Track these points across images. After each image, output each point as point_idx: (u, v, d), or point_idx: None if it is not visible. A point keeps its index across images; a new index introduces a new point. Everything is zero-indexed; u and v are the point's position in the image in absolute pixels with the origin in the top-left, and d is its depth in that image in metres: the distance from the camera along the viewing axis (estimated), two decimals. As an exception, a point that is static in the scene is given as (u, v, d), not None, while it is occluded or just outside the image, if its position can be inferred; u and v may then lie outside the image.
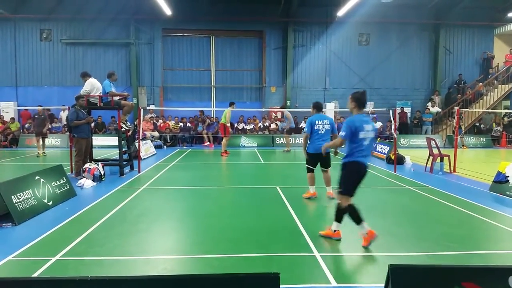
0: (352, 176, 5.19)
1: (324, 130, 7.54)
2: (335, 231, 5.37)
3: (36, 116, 16.28)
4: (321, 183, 8.02)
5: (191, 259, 4.77)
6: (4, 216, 5.92)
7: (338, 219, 5.35)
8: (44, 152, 15.42)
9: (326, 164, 7.79)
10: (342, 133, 5.10)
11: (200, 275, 3.04)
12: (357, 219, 5.12)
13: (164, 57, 22.28)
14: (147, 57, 21.92)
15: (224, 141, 15.57)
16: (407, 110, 21.96)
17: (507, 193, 8.08)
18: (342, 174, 5.21)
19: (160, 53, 21.97)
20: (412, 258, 4.71)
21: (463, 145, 18.89)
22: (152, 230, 5.82)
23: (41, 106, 17.41)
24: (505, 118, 21.10)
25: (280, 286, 2.67)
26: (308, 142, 7.68)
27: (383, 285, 2.93)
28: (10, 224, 5.87)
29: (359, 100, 5.18)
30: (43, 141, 15.60)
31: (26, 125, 19.87)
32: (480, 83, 21.95)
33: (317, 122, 7.55)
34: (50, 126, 19.96)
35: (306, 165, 7.85)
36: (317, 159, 7.61)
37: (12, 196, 6.08)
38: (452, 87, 22.91)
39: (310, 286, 3.98)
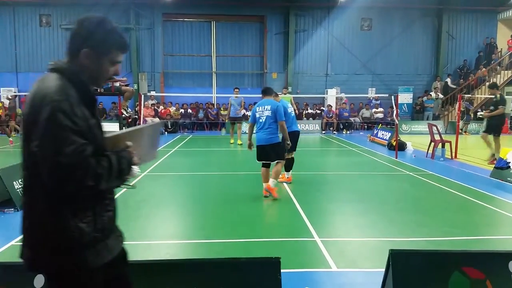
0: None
1: (264, 117, 6.61)
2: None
3: None
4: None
5: (193, 244, 4.80)
6: (6, 201, 5.95)
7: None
8: None
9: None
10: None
11: (202, 259, 3.05)
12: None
13: (165, 43, 22.11)
14: (147, 42, 21.75)
15: None
16: (410, 96, 21.83)
17: (508, 179, 8.07)
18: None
19: (161, 38, 21.79)
20: (413, 243, 4.73)
21: (465, 132, 18.83)
22: (154, 215, 5.85)
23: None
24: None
25: (281, 270, 2.68)
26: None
27: (384, 269, 2.95)
28: (12, 209, 5.90)
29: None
30: None
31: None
32: (484, 68, 21.79)
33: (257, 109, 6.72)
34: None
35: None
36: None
37: (14, 182, 6.10)
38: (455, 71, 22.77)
39: (311, 270, 4.01)
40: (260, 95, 6.89)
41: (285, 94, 16.08)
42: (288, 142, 6.71)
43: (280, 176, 7.23)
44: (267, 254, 4.32)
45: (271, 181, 6.60)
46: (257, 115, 6.65)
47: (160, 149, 13.05)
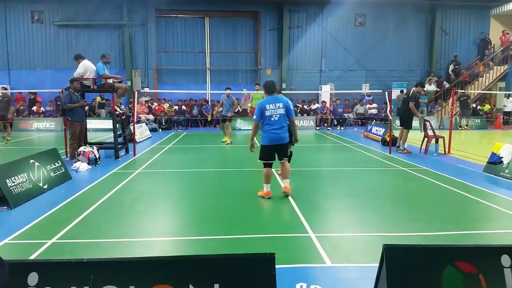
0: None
1: (277, 115, 6.28)
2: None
3: None
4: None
5: (187, 240, 4.80)
6: (-1, 199, 5.90)
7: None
8: (8, 138, 14.17)
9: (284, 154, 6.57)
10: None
11: (196, 256, 3.05)
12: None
13: (158, 39, 21.98)
14: (141, 39, 21.60)
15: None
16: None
17: (501, 173, 8.13)
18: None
19: (154, 34, 21.66)
20: (407, 238, 4.76)
21: (466, 125, 19.09)
22: (148, 212, 5.84)
23: (5, 88, 16.14)
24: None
25: (276, 266, 2.69)
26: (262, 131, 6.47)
27: (377, 264, 2.96)
28: (5, 207, 5.85)
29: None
30: (10, 126, 14.60)
31: (21, 108, 19.72)
32: (481, 64, 21.87)
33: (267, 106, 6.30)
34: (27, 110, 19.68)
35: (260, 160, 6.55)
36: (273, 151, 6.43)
37: (7, 180, 6.05)
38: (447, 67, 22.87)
39: (306, 266, 4.02)
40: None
41: (257, 90, 15.78)
42: (297, 139, 6.68)
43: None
44: (261, 250, 4.33)
45: (287, 182, 6.53)
46: (268, 113, 6.23)
47: (154, 146, 13.03)
